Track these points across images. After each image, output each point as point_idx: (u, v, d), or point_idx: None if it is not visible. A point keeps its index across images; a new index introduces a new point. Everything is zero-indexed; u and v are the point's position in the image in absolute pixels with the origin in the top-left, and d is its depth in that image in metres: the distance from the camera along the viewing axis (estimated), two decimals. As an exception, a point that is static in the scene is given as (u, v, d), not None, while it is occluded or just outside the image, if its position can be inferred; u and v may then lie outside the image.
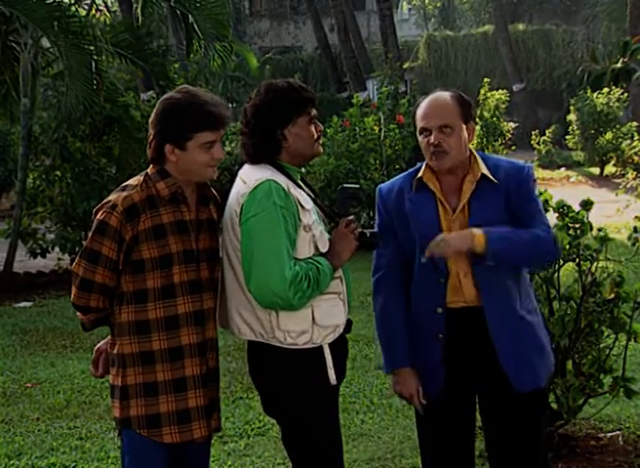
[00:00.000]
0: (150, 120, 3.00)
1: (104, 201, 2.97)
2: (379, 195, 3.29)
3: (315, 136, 3.08)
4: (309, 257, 2.97)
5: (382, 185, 3.33)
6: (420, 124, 3.15)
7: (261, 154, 3.04)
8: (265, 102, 3.02)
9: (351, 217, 3.10)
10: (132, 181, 3.01)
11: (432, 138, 3.10)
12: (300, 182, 3.10)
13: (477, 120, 12.08)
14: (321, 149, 3.17)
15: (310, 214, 3.00)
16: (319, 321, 2.99)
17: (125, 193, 2.94)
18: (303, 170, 3.22)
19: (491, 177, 3.13)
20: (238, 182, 3.05)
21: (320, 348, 3.00)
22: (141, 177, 3.00)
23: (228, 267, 3.04)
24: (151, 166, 3.03)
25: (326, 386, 3.02)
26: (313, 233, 2.98)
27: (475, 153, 3.20)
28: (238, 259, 2.97)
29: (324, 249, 3.02)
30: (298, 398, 3.01)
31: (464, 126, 3.13)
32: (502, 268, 3.10)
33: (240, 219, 2.94)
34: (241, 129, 3.10)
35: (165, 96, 3.03)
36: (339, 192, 3.25)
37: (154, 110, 3.00)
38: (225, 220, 3.04)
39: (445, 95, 3.17)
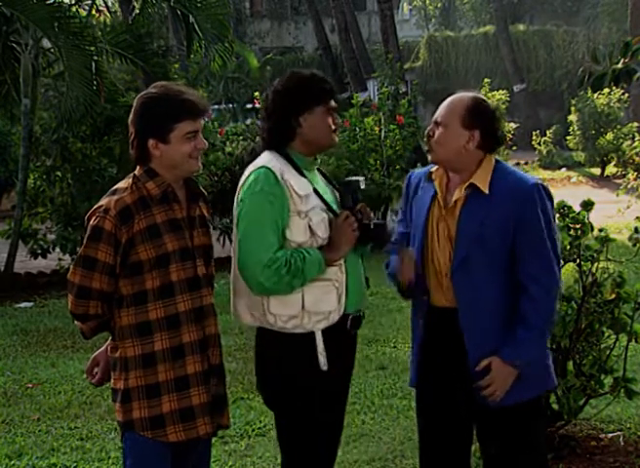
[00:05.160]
0: (130, 119, 2.99)
1: (96, 206, 2.96)
2: (407, 179, 3.38)
3: (333, 127, 3.13)
4: (303, 245, 3.01)
5: (414, 171, 3.40)
6: None
7: (275, 139, 3.11)
8: (285, 88, 3.09)
9: (359, 207, 3.14)
10: (121, 185, 3.01)
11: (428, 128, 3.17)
12: (304, 171, 3.11)
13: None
14: (337, 140, 3.22)
15: (308, 201, 3.04)
16: (309, 307, 3.03)
17: (116, 196, 2.94)
18: (319, 160, 3.26)
19: (480, 187, 3.07)
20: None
21: (312, 334, 3.04)
22: (130, 180, 3.01)
23: (233, 255, 3.12)
24: (138, 167, 3.03)
25: (316, 372, 3.04)
26: (310, 218, 3.02)
27: (491, 162, 3.12)
28: None
29: (323, 234, 3.05)
30: (285, 381, 3.07)
31: (465, 131, 3.08)
32: (484, 277, 3.05)
33: (236, 207, 3.06)
34: (262, 113, 3.16)
35: (140, 93, 3.04)
36: (342, 185, 3.26)
37: (132, 109, 2.99)
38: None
39: (465, 96, 3.15)
